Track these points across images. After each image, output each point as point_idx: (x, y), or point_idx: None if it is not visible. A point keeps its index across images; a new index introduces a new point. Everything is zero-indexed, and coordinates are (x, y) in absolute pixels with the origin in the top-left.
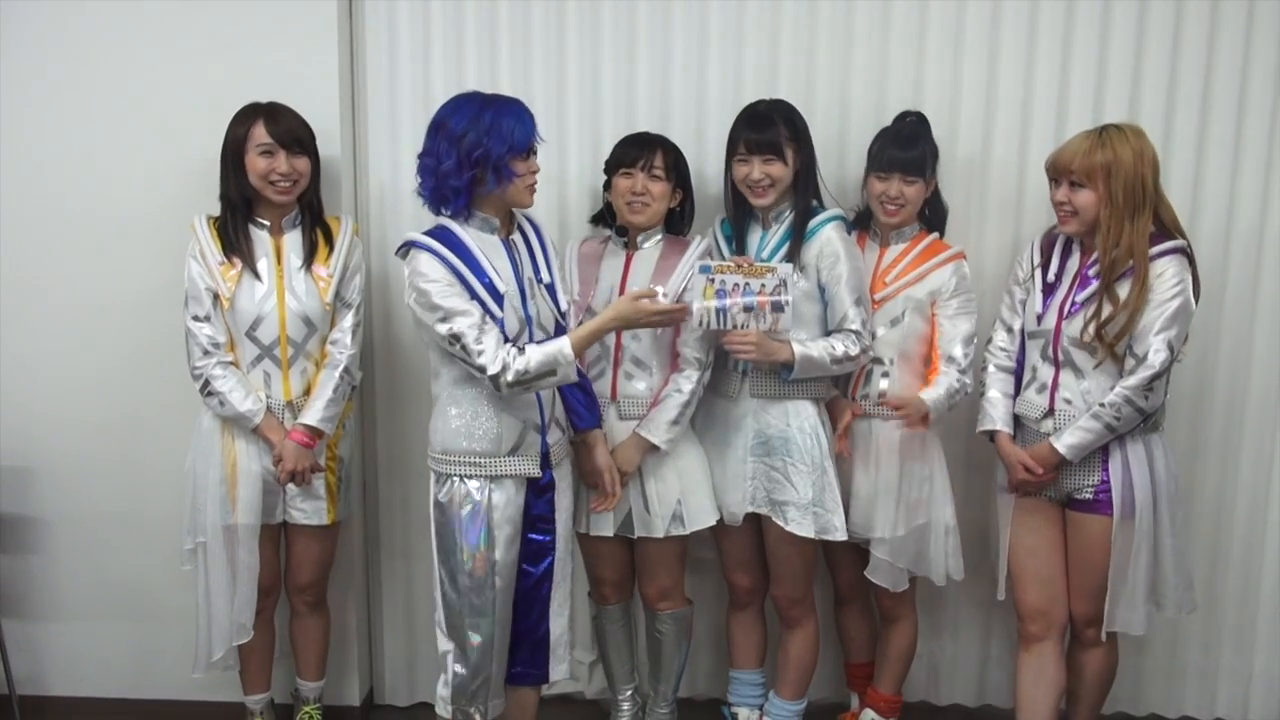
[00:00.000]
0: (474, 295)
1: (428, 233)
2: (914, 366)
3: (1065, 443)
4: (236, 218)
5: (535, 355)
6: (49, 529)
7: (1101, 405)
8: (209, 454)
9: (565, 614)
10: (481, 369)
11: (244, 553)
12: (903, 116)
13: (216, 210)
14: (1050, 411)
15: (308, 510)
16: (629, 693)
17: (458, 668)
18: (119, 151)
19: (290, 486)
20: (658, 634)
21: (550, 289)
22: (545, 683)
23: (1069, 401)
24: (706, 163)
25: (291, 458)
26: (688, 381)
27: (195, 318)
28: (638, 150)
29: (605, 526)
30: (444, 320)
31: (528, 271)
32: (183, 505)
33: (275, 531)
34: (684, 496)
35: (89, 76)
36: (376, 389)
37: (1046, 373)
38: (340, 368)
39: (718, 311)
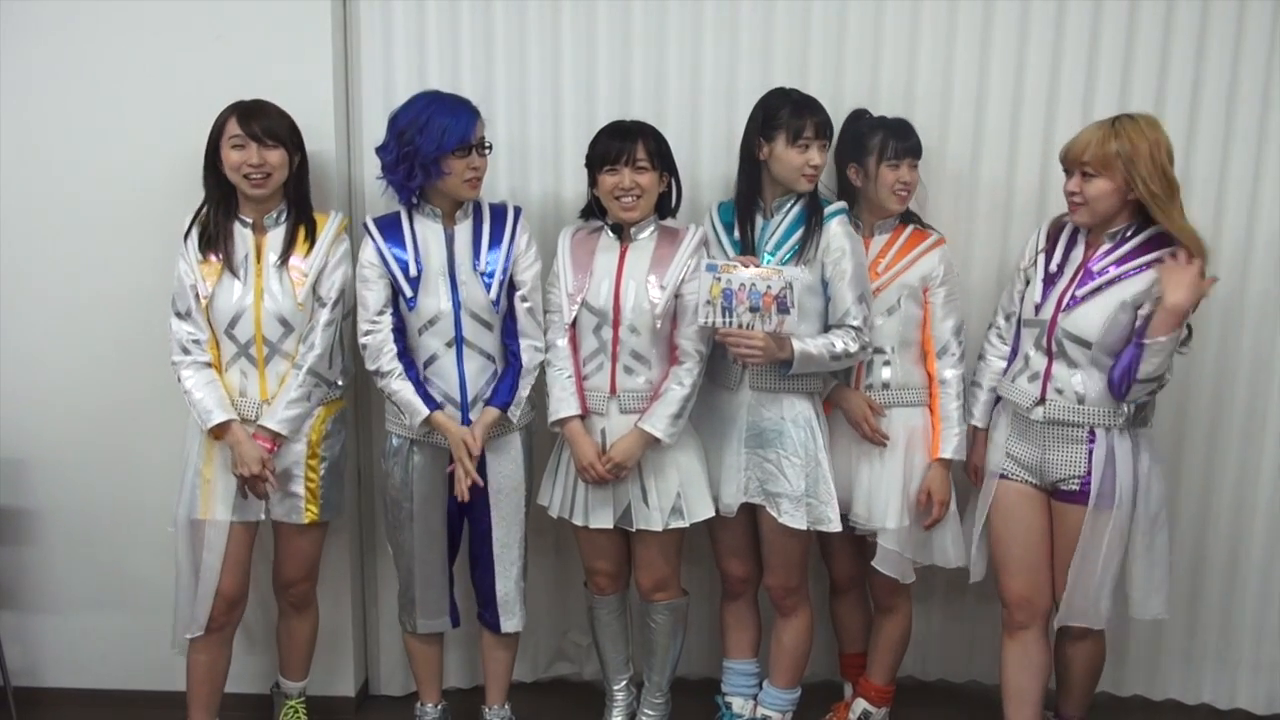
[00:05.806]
0: (394, 276)
1: (379, 218)
2: (914, 353)
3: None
4: (218, 214)
5: (397, 387)
6: (43, 521)
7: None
8: (192, 445)
9: (513, 574)
10: (363, 346)
11: (207, 553)
12: (858, 115)
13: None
14: (1041, 400)
15: (285, 509)
16: (624, 682)
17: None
18: (114, 145)
19: (269, 486)
20: (652, 624)
21: (487, 276)
22: (498, 632)
23: (1060, 391)
24: (701, 154)
25: (242, 461)
26: (688, 375)
27: (177, 314)
28: (620, 143)
29: (605, 519)
30: (359, 303)
31: (464, 260)
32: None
33: (251, 534)
34: (683, 489)
35: (84, 71)
36: (370, 381)
37: (1039, 362)
38: (304, 369)
39: (724, 311)
